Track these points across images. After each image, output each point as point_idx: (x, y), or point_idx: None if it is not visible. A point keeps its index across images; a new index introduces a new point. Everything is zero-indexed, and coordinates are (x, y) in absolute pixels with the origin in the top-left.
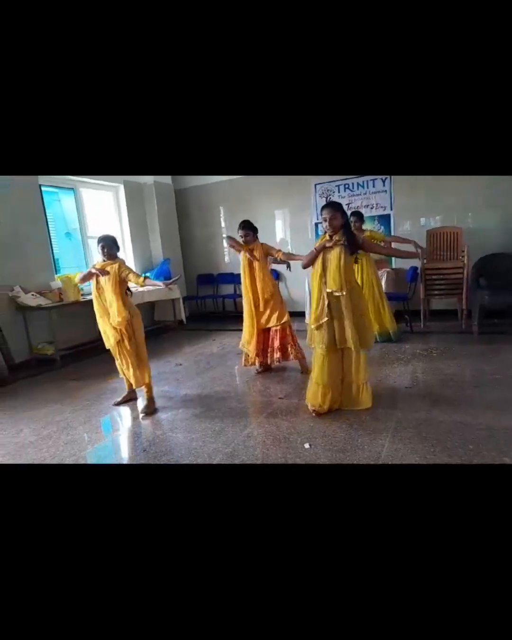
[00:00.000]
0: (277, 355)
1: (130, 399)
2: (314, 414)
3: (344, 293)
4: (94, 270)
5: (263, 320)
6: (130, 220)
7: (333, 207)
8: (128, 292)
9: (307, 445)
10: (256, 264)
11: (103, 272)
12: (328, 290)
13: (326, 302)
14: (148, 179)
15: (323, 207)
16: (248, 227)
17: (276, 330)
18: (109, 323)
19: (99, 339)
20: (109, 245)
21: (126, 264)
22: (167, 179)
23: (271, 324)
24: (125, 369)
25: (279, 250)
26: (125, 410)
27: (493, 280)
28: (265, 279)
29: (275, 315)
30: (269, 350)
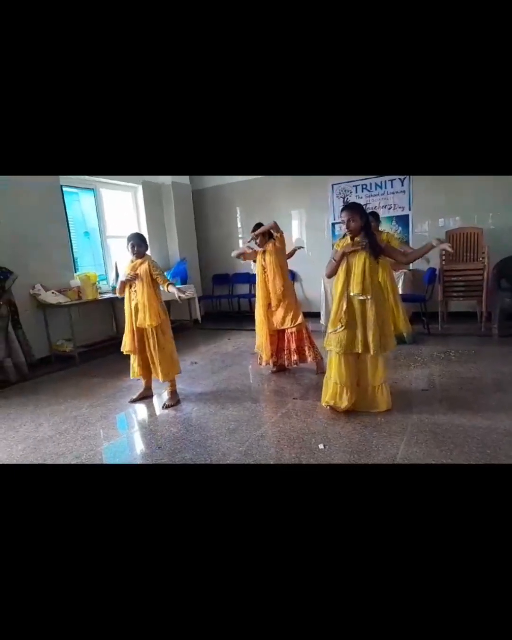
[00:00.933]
0: (294, 357)
1: (146, 396)
2: (331, 410)
3: (369, 297)
4: (126, 278)
5: (276, 321)
6: (148, 220)
7: (352, 208)
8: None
9: (321, 446)
10: (268, 264)
11: (134, 276)
12: (352, 293)
13: (346, 306)
14: (166, 180)
15: (342, 209)
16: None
17: (291, 332)
18: (136, 324)
19: (115, 337)
20: (138, 243)
21: (153, 260)
22: (185, 180)
23: (285, 325)
24: (150, 364)
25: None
26: (140, 408)
27: None
28: (276, 278)
29: (289, 317)
30: (285, 352)
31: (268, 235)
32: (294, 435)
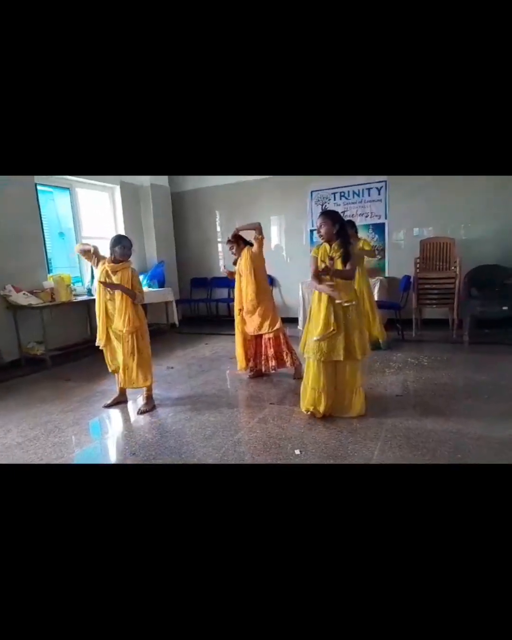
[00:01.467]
0: (272, 363)
1: (120, 401)
2: (310, 415)
3: (353, 303)
4: (107, 283)
5: (253, 327)
6: (126, 222)
7: (324, 216)
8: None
9: (297, 452)
10: (243, 270)
11: (114, 286)
12: (338, 300)
13: (334, 314)
14: (145, 181)
15: (320, 215)
16: (236, 239)
17: (268, 338)
18: (110, 325)
19: (90, 340)
20: (128, 246)
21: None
22: (164, 182)
23: (262, 331)
24: (122, 369)
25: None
26: (115, 413)
27: (484, 291)
28: (249, 285)
29: (267, 322)
30: (262, 358)
31: (243, 242)
32: (270, 441)
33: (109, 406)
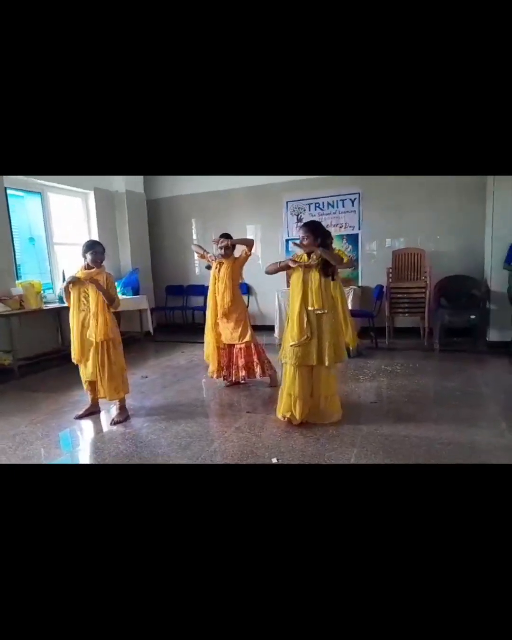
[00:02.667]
0: (242, 373)
1: (92, 412)
2: (286, 422)
3: (326, 311)
4: (80, 280)
5: (225, 336)
6: (100, 228)
7: (307, 228)
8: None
9: (274, 460)
10: (222, 276)
11: (93, 281)
12: (310, 308)
13: (307, 320)
14: (120, 187)
15: (301, 226)
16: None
17: (240, 348)
18: (86, 336)
19: (61, 349)
20: (101, 251)
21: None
22: (139, 188)
23: (234, 341)
24: (98, 380)
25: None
26: (87, 424)
27: (453, 301)
28: (226, 292)
29: (238, 333)
30: (234, 368)
31: (233, 248)
32: (247, 449)
33: (81, 417)
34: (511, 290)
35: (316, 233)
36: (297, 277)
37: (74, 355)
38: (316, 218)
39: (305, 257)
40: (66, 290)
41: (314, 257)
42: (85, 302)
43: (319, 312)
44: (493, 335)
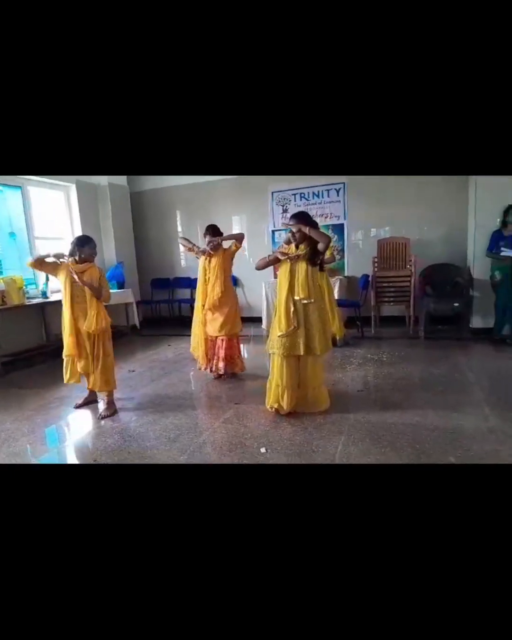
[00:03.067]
0: (221, 364)
1: (91, 400)
2: (275, 413)
3: (313, 300)
4: (57, 260)
5: (212, 327)
6: (83, 222)
7: (298, 219)
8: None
9: (263, 450)
10: (212, 268)
11: (84, 283)
12: (296, 297)
13: (294, 310)
14: (102, 180)
15: (291, 217)
16: (215, 233)
17: (222, 339)
18: (81, 328)
19: (45, 345)
20: (92, 246)
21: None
22: (122, 181)
23: (221, 334)
24: (90, 371)
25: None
26: (73, 420)
27: (438, 289)
28: (216, 284)
29: (228, 326)
30: (214, 359)
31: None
32: (235, 440)
33: (80, 406)
34: (493, 277)
35: (307, 225)
36: (284, 268)
37: (68, 349)
38: (302, 208)
39: (293, 248)
40: (41, 261)
41: (302, 248)
42: (78, 296)
43: (305, 301)
44: (476, 322)
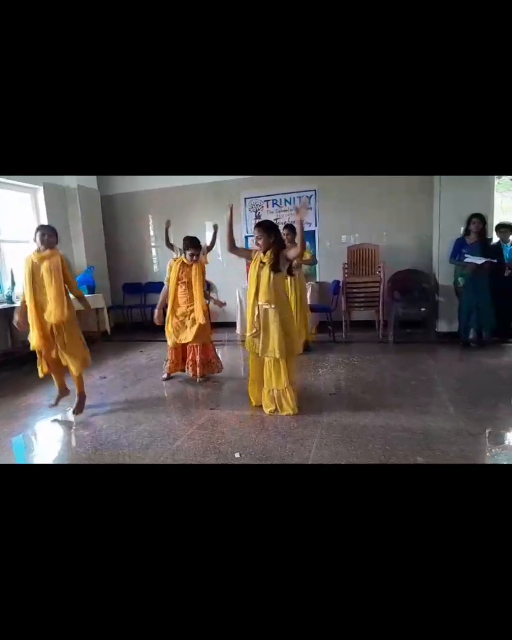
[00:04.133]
0: (198, 369)
1: (64, 395)
2: (250, 416)
3: (273, 306)
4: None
5: (189, 335)
6: (51, 225)
7: (260, 227)
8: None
9: (237, 455)
10: (193, 278)
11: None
12: (259, 302)
13: (257, 314)
14: (71, 182)
15: (255, 226)
16: (196, 246)
17: (196, 346)
18: (43, 320)
19: (11, 351)
20: (50, 233)
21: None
22: (92, 184)
23: (196, 342)
24: (60, 359)
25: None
26: (42, 428)
27: (406, 294)
28: (199, 294)
29: (205, 334)
30: (190, 364)
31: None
32: (210, 446)
33: (55, 405)
34: (457, 283)
35: (269, 233)
36: (253, 273)
37: (35, 343)
38: (274, 215)
39: (261, 255)
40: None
41: (269, 254)
42: (41, 285)
43: (265, 306)
44: (442, 326)
